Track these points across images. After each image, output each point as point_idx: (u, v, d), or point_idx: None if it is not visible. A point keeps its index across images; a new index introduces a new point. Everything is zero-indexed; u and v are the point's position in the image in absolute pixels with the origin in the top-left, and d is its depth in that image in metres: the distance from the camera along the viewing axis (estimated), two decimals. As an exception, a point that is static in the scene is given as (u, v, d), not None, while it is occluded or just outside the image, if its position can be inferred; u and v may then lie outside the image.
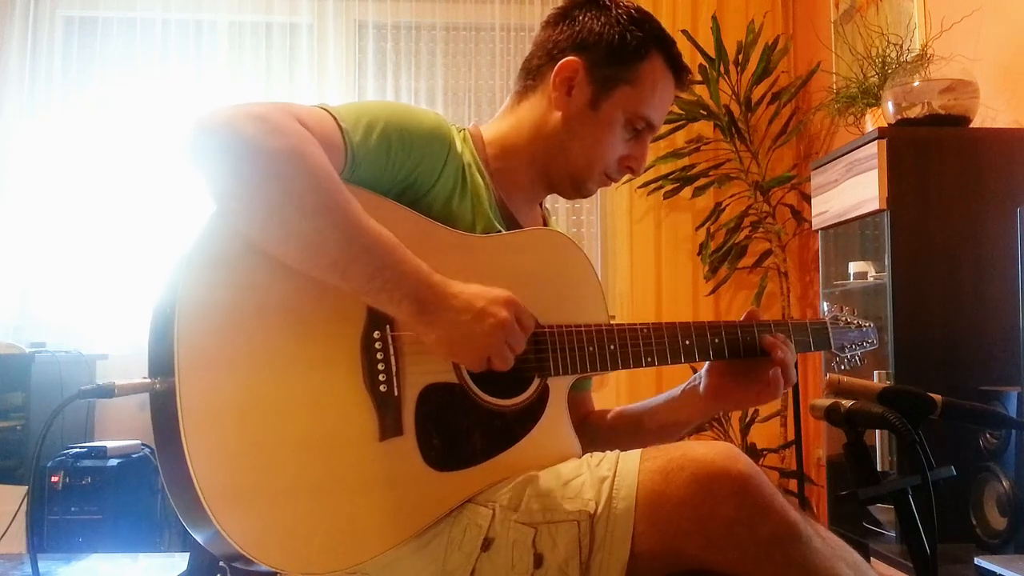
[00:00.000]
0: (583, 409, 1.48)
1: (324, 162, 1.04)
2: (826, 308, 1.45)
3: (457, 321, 1.07)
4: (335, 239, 1.03)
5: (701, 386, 1.37)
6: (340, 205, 1.04)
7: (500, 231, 1.27)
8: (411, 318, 1.07)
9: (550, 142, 1.32)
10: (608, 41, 1.30)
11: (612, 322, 1.27)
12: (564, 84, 1.30)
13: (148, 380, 1.05)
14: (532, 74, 1.34)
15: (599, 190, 1.40)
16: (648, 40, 1.31)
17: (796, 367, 1.36)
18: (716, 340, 1.31)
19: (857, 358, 1.45)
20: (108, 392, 1.06)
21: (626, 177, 1.40)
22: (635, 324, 1.28)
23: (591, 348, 1.23)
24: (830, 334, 1.43)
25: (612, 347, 1.25)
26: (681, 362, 1.30)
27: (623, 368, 1.25)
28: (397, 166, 1.15)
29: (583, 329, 1.24)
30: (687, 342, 1.29)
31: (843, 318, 1.45)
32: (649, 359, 1.27)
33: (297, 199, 1.02)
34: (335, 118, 1.11)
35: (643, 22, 1.32)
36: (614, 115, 1.30)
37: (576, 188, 1.36)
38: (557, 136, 1.31)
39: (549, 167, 1.33)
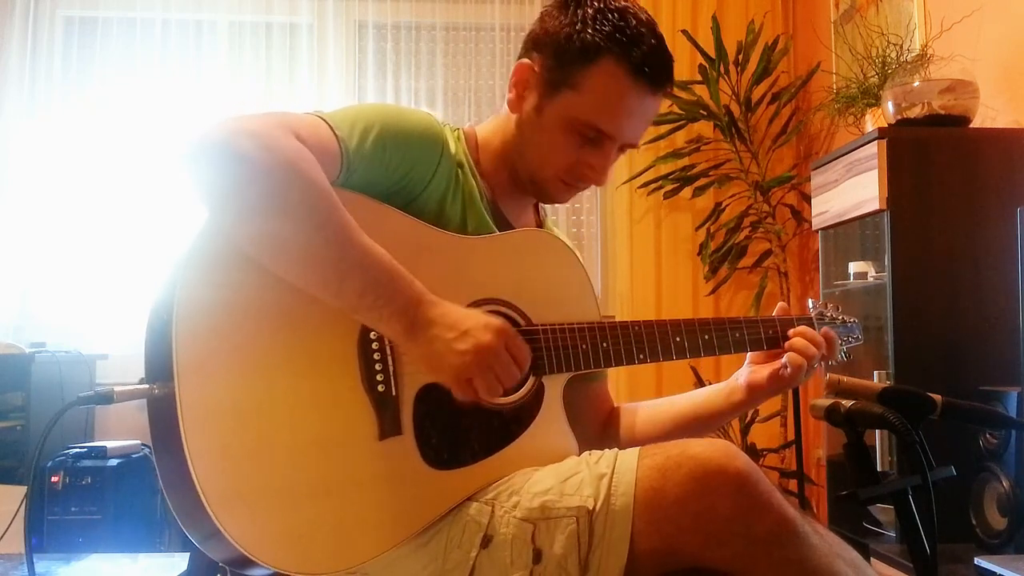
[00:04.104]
0: (604, 404, 1.47)
1: (320, 178, 1.05)
2: (811, 304, 1.46)
3: (439, 338, 1.07)
4: (328, 256, 1.04)
5: (741, 378, 1.38)
6: (334, 222, 1.04)
7: (492, 231, 1.27)
8: (399, 335, 1.07)
9: (509, 145, 1.30)
10: (556, 42, 1.23)
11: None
12: (517, 87, 1.28)
13: (147, 386, 1.05)
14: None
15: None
16: (601, 44, 1.20)
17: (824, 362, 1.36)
18: (706, 337, 1.32)
19: (843, 354, 1.46)
20: (107, 399, 1.07)
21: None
22: (627, 321, 1.29)
23: (584, 346, 1.24)
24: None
25: (605, 344, 1.26)
26: (673, 359, 1.31)
27: (616, 365, 1.27)
28: (392, 169, 1.16)
29: (576, 327, 1.24)
30: (678, 339, 1.30)
31: (828, 314, 1.46)
32: (641, 356, 1.28)
33: (292, 217, 1.02)
34: (330, 126, 1.12)
35: (605, 22, 1.20)
36: (556, 121, 1.24)
37: (538, 193, 1.33)
38: (514, 140, 1.30)
39: (514, 170, 1.32)
